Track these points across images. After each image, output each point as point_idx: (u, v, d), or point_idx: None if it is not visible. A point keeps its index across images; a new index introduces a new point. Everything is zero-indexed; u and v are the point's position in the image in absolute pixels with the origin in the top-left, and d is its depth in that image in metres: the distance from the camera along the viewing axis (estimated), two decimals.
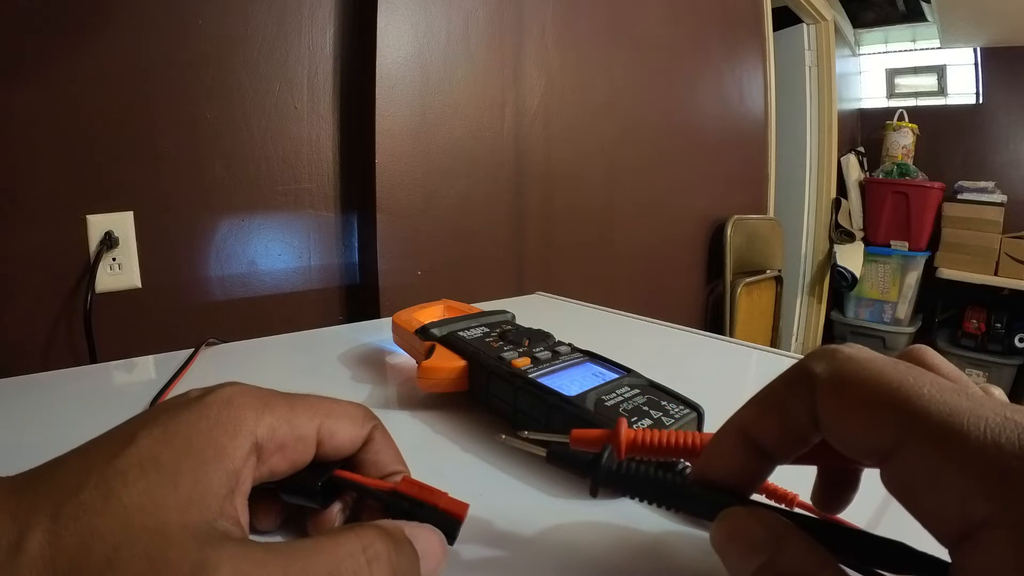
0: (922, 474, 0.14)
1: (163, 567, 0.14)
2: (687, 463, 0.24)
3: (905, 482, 0.15)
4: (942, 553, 0.15)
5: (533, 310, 0.68)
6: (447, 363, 0.36)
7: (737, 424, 0.19)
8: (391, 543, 0.17)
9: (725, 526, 0.18)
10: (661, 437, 0.22)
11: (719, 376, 0.48)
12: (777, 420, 0.18)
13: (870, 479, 0.17)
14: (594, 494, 0.20)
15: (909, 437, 0.14)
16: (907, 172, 2.81)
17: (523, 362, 0.34)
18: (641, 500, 0.20)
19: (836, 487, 0.21)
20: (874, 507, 0.24)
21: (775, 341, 2.24)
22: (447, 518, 0.20)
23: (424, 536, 0.19)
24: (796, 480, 0.22)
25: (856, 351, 0.17)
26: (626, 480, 0.20)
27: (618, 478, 0.20)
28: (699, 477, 0.20)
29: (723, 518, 0.18)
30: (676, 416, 0.30)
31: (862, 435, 0.15)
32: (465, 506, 0.21)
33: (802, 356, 0.19)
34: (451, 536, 0.20)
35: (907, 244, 2.78)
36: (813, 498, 0.22)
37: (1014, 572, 0.12)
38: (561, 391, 0.31)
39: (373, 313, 0.97)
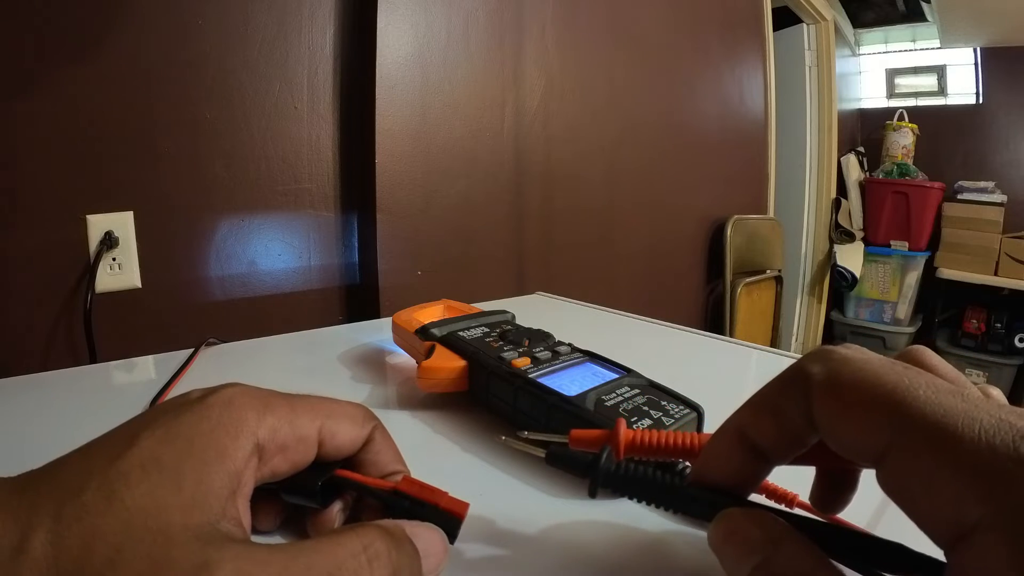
0: (916, 476, 0.14)
1: (165, 568, 0.14)
2: (687, 463, 0.24)
3: (900, 484, 0.15)
4: (940, 554, 0.15)
5: (533, 310, 0.68)
6: (447, 363, 0.36)
7: (734, 425, 0.19)
8: (392, 542, 0.17)
9: (722, 527, 0.18)
10: (659, 438, 0.22)
11: (719, 376, 0.48)
12: (773, 422, 0.18)
13: (869, 479, 0.17)
14: (593, 495, 0.20)
15: (903, 439, 0.14)
16: (907, 172, 2.81)
17: (523, 362, 0.34)
18: (639, 501, 0.20)
19: (835, 487, 0.21)
20: (873, 507, 0.24)
21: (775, 341, 2.24)
22: (448, 517, 0.20)
23: (425, 535, 0.19)
24: (796, 480, 0.22)
25: (852, 352, 0.17)
26: (624, 481, 0.20)
27: (616, 479, 0.20)
28: (697, 478, 0.20)
29: (720, 519, 0.18)
30: (676, 416, 0.30)
31: (857, 437, 0.15)
32: (466, 505, 0.21)
33: (802, 356, 0.19)
34: (452, 535, 0.20)
35: (907, 244, 2.78)
36: (812, 498, 0.22)
37: (1008, 575, 0.12)
38: (561, 391, 0.31)
39: (373, 313, 0.97)
